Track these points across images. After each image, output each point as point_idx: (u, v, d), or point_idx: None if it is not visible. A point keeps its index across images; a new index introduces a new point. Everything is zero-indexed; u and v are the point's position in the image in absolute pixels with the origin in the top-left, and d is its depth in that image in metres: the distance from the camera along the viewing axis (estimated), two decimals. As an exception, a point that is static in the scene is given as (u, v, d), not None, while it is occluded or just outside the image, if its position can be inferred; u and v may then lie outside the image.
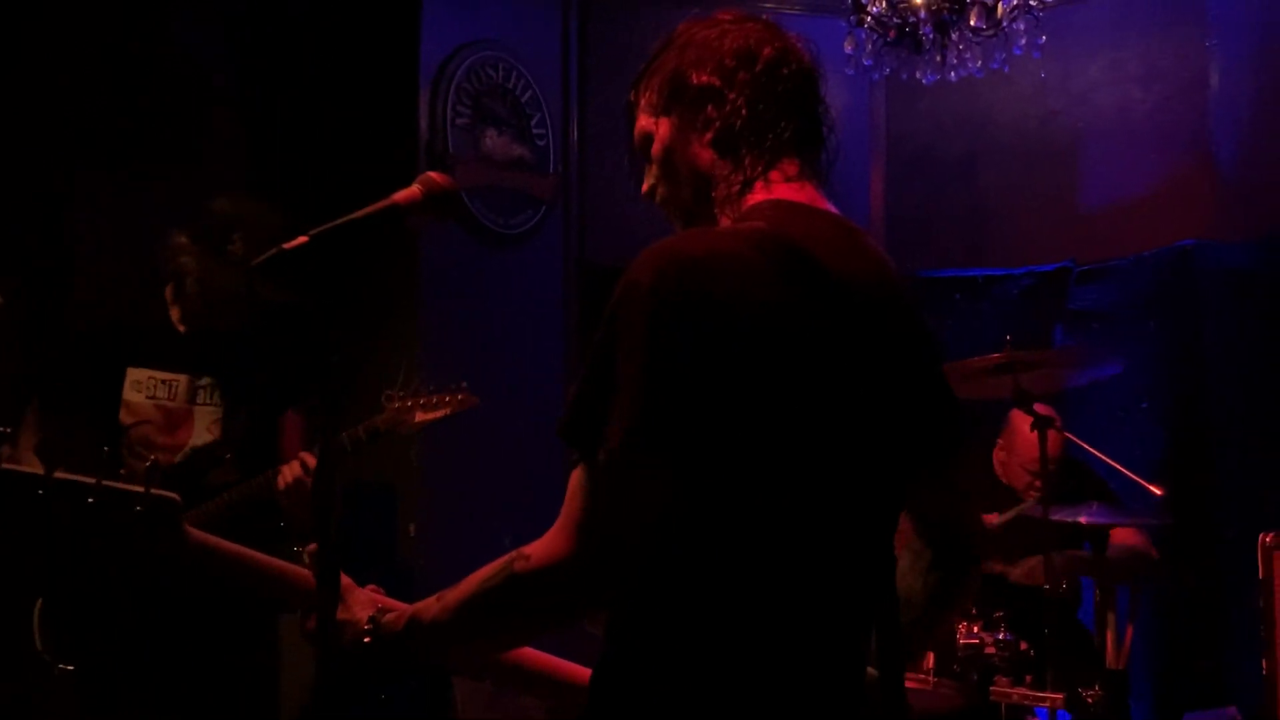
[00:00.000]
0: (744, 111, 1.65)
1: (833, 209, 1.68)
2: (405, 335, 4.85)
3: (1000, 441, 4.49)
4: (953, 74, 4.71)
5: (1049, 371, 4.15)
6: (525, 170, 5.14)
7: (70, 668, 3.22)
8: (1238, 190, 5.08)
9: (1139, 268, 5.23)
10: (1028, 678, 3.84)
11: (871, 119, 5.69)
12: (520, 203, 5.12)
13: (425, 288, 4.87)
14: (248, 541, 1.77)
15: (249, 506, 3.27)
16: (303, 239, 1.64)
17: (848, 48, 4.74)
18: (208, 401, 3.43)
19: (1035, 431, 3.98)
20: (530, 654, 1.81)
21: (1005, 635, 3.87)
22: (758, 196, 1.64)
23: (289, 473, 3.25)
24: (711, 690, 1.48)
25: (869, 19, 4.67)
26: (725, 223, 1.64)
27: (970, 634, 3.87)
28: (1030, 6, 4.59)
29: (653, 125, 1.72)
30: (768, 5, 5.38)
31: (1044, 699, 3.76)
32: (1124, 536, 4.26)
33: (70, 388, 3.41)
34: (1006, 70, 4.77)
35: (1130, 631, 4.27)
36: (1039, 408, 4.02)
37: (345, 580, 1.67)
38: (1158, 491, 4.23)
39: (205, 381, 3.43)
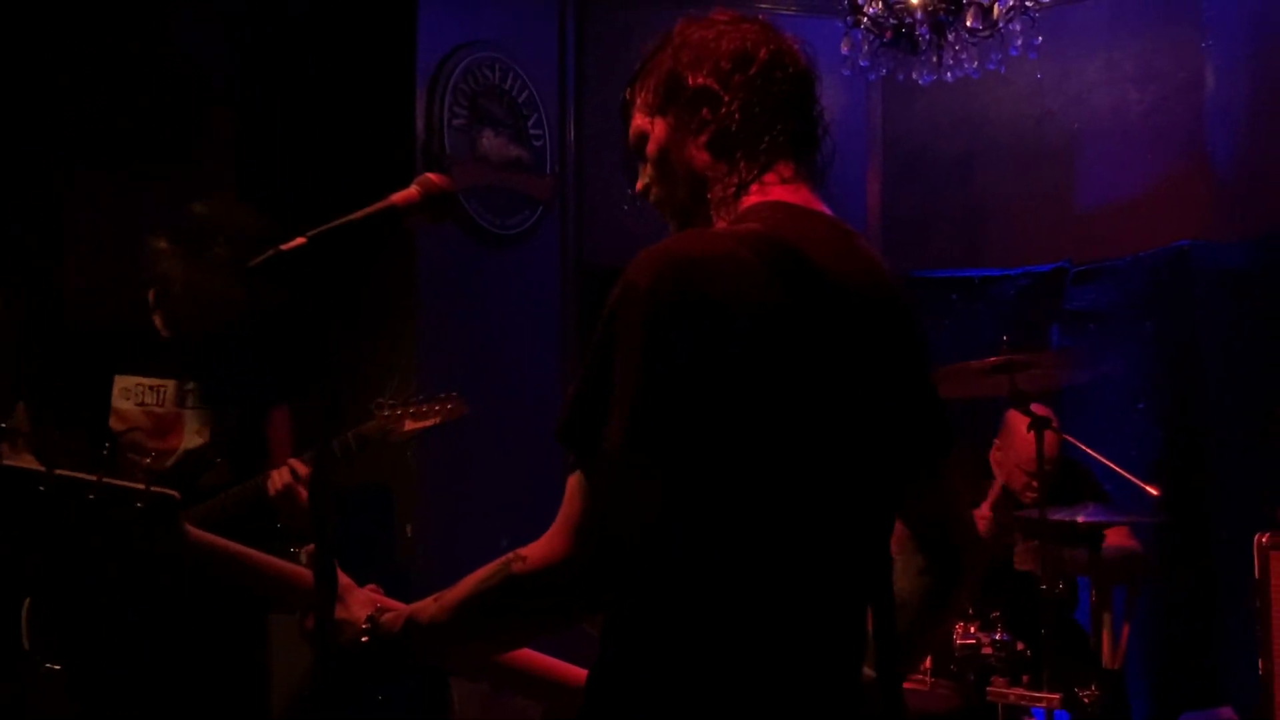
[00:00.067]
0: (739, 114, 1.65)
1: (828, 211, 1.68)
2: (403, 336, 4.85)
3: (997, 442, 4.50)
4: (949, 75, 4.72)
5: (1045, 372, 4.16)
6: (522, 171, 5.14)
7: (58, 667, 3.22)
8: (1234, 190, 5.09)
9: (1135, 268, 5.24)
10: (1024, 678, 3.85)
11: (868, 120, 5.70)
12: (517, 203, 5.12)
13: (423, 289, 4.87)
14: (243, 542, 1.77)
15: (240, 510, 3.27)
16: (300, 240, 1.64)
17: (844, 48, 4.75)
18: (196, 405, 3.44)
19: (1032, 432, 3.99)
20: (527, 655, 1.81)
21: (1002, 636, 3.87)
22: (753, 199, 1.65)
23: (278, 479, 3.26)
24: (708, 692, 1.48)
25: (865, 20, 4.67)
26: (720, 224, 1.64)
27: (967, 634, 3.88)
28: (1026, 7, 4.59)
29: (648, 125, 1.72)
30: (764, 6, 5.38)
31: (1041, 699, 3.77)
32: (1116, 537, 4.27)
33: (58, 399, 3.42)
34: (1003, 71, 4.78)
35: (1126, 631, 4.28)
36: (1036, 408, 4.03)
37: (344, 580, 1.67)
38: (1154, 491, 4.23)
39: (192, 385, 3.44)
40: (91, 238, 4.49)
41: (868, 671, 1.62)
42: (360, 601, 1.66)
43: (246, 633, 3.48)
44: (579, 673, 1.76)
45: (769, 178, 1.66)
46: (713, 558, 1.50)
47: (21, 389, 3.57)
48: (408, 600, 1.67)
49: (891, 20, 4.64)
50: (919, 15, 4.60)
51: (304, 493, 3.24)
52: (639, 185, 1.76)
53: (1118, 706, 4.18)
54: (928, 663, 3.86)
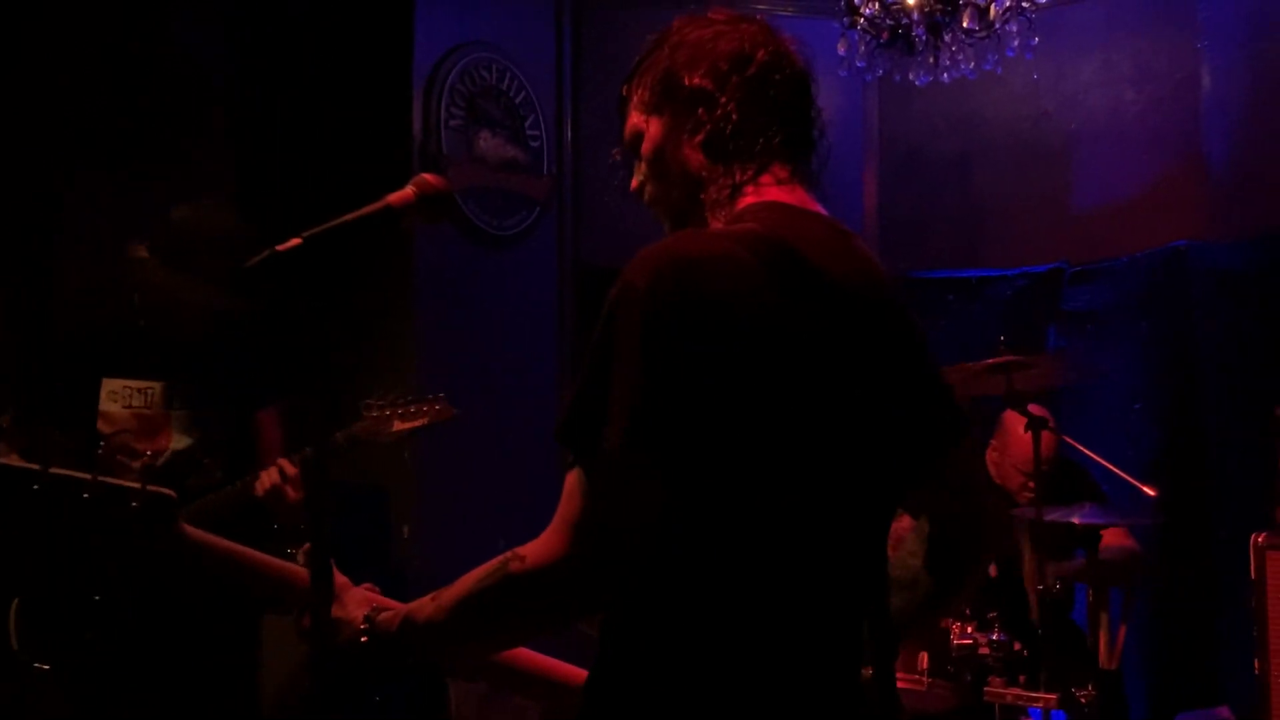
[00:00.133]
0: (735, 116, 1.65)
1: (824, 211, 1.68)
2: (400, 337, 4.85)
3: (993, 442, 4.50)
4: (946, 75, 4.72)
5: (1042, 372, 4.16)
6: (519, 172, 5.14)
7: (46, 667, 3.22)
8: (1230, 191, 5.09)
9: (1132, 268, 5.25)
10: (1021, 678, 3.84)
11: (865, 120, 5.70)
12: (514, 204, 5.12)
13: (420, 289, 4.87)
14: (240, 542, 1.77)
15: (229, 510, 3.28)
16: (296, 241, 1.63)
17: (841, 49, 4.75)
18: (184, 407, 3.44)
19: (1028, 432, 3.99)
20: (525, 655, 1.81)
21: (999, 636, 3.87)
22: (749, 199, 1.64)
23: (267, 479, 3.27)
24: (707, 691, 1.48)
25: (862, 20, 4.68)
26: (716, 225, 1.64)
27: (964, 634, 3.88)
28: (1023, 8, 4.60)
29: (644, 124, 1.72)
30: (761, 6, 5.38)
31: (1038, 699, 3.77)
32: (1114, 537, 4.27)
33: (46, 403, 3.43)
34: (999, 71, 4.78)
35: (1123, 631, 4.28)
36: (1033, 408, 4.03)
37: (341, 579, 1.67)
38: (1151, 492, 4.23)
39: (180, 387, 3.44)
40: (91, 237, 4.49)
41: (865, 670, 1.63)
42: (357, 601, 1.66)
43: (239, 632, 3.48)
44: (577, 672, 1.76)
45: (765, 179, 1.66)
46: (711, 558, 1.50)
47: (9, 391, 3.58)
48: (405, 600, 1.67)
49: (888, 21, 4.64)
50: (915, 16, 4.60)
51: (292, 492, 3.25)
52: (634, 184, 1.76)
53: (1115, 706, 4.18)
54: (925, 663, 3.86)
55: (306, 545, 1.66)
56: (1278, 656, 3.78)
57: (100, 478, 1.60)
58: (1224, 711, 4.53)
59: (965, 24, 4.56)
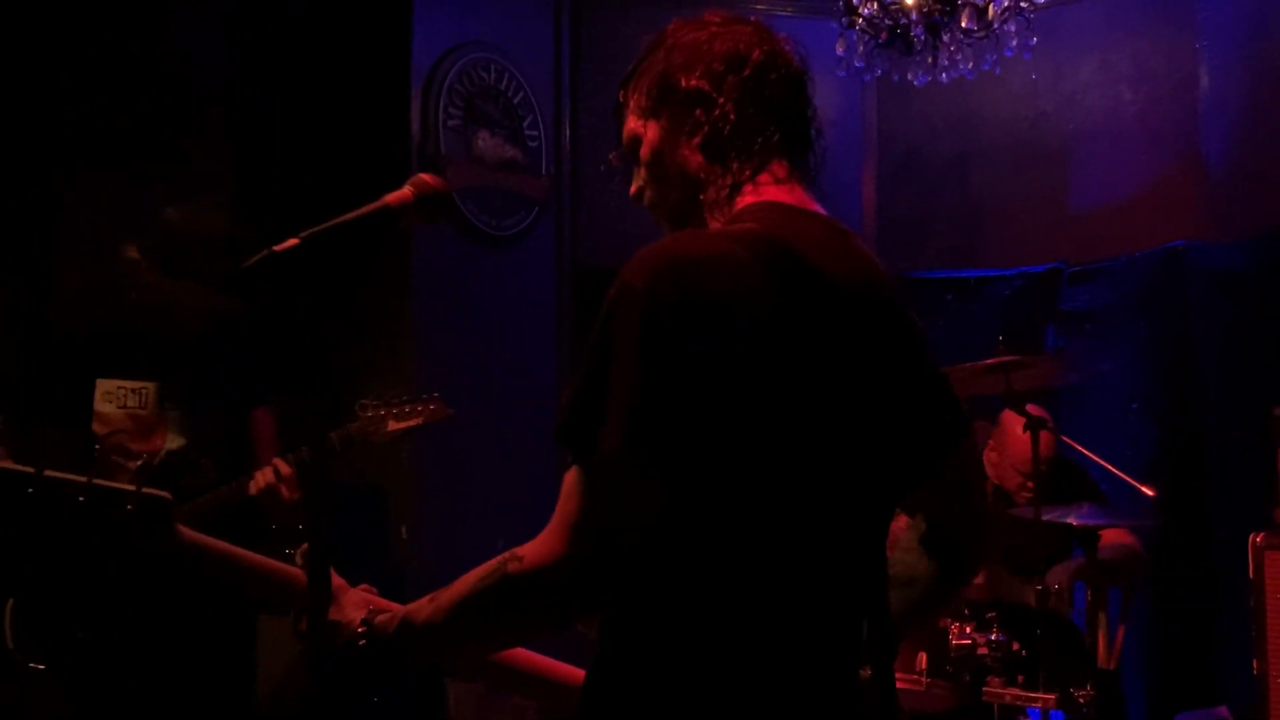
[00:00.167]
0: (732, 116, 1.65)
1: (822, 211, 1.68)
2: (398, 336, 4.85)
3: (991, 442, 4.49)
4: (944, 75, 4.72)
5: (1041, 372, 4.16)
6: (518, 171, 5.14)
7: (41, 666, 3.23)
8: (1228, 191, 5.09)
9: (1130, 268, 5.25)
10: (1020, 678, 3.84)
11: (863, 120, 5.70)
12: (513, 204, 5.12)
13: (418, 289, 4.87)
14: (237, 543, 1.77)
15: (224, 510, 3.28)
16: (294, 241, 1.63)
17: (839, 49, 4.75)
18: (178, 407, 3.45)
19: (1027, 432, 3.99)
20: (524, 655, 1.81)
21: (997, 636, 3.87)
22: (747, 199, 1.65)
23: (261, 479, 3.27)
24: (706, 691, 1.48)
25: (860, 21, 4.68)
26: (715, 225, 1.64)
27: (963, 635, 3.88)
28: (1021, 8, 4.60)
29: (641, 127, 1.72)
30: (759, 7, 5.39)
31: (1036, 699, 3.76)
32: (1115, 535, 4.27)
33: (40, 405, 3.43)
34: (998, 72, 4.78)
35: (1122, 631, 4.28)
36: (1031, 408, 4.03)
37: (338, 581, 1.67)
38: (1150, 492, 4.24)
39: (174, 387, 3.44)
40: (91, 238, 4.49)
41: (863, 672, 1.63)
42: (354, 603, 1.65)
43: (235, 631, 3.48)
44: (575, 672, 1.76)
45: (763, 178, 1.66)
46: (710, 558, 1.50)
47: (5, 391, 3.58)
48: (403, 601, 1.67)
49: (886, 21, 4.65)
50: (914, 16, 4.60)
51: (286, 492, 3.25)
52: (633, 188, 1.76)
53: (1113, 706, 4.18)
54: (924, 663, 3.86)
55: (304, 546, 1.66)
56: (1276, 656, 3.78)
57: (96, 481, 1.60)
58: (1223, 711, 4.53)
59: (964, 24, 4.56)
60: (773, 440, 1.50)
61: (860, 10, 4.66)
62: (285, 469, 3.27)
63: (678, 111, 1.68)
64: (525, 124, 5.16)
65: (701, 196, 1.67)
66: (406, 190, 1.73)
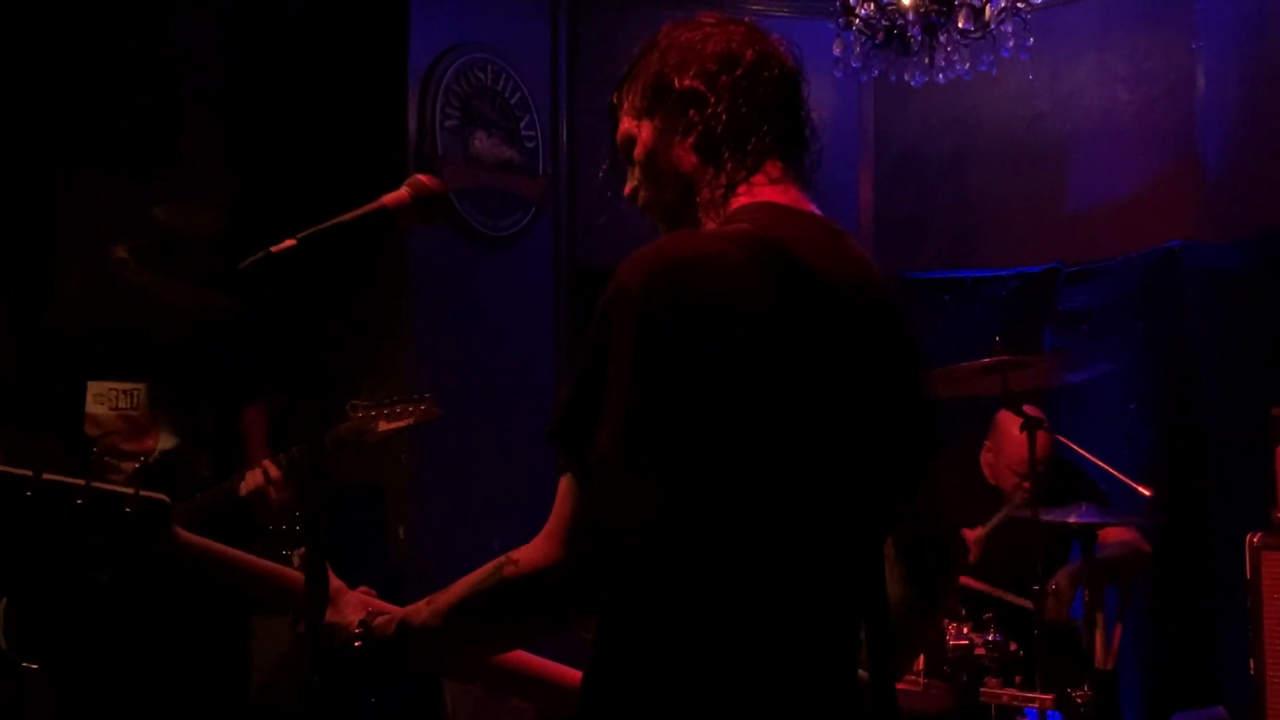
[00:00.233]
0: (726, 116, 1.65)
1: (817, 211, 1.68)
2: (395, 337, 4.85)
3: (987, 443, 4.49)
4: (941, 76, 4.72)
5: (1038, 372, 4.16)
6: (515, 172, 5.14)
7: (34, 666, 3.23)
8: (1224, 191, 5.10)
9: (1127, 268, 5.25)
10: (1017, 678, 3.85)
11: (860, 121, 5.71)
12: (510, 205, 5.12)
13: (415, 290, 4.87)
14: (234, 545, 1.76)
15: (215, 511, 3.28)
16: (290, 242, 1.63)
17: (836, 50, 4.75)
18: (170, 407, 3.45)
19: (1023, 433, 3.99)
20: (521, 657, 1.81)
21: (995, 636, 3.88)
22: (742, 200, 1.64)
23: (250, 481, 3.27)
24: (703, 694, 1.48)
25: (857, 21, 4.68)
26: (710, 226, 1.64)
27: (960, 635, 3.88)
28: (1018, 9, 4.60)
29: (635, 128, 1.72)
30: (756, 8, 5.39)
31: (1033, 699, 3.77)
32: (1117, 533, 4.27)
33: (31, 408, 3.44)
34: (994, 72, 4.79)
35: (1119, 631, 4.28)
36: (1027, 409, 4.03)
37: (336, 583, 1.67)
38: (1146, 492, 4.24)
39: (165, 387, 3.44)
40: (91, 238, 4.49)
41: (861, 674, 1.62)
42: (353, 605, 1.65)
43: (229, 624, 3.49)
44: (573, 674, 1.76)
45: (757, 179, 1.66)
46: (707, 560, 1.50)
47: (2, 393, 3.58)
48: (401, 602, 1.67)
49: (883, 22, 4.65)
50: (911, 17, 4.60)
51: (275, 494, 3.26)
52: (627, 189, 1.76)
53: (1110, 707, 4.18)
54: (920, 663, 3.86)
55: (303, 549, 1.66)
56: (1273, 656, 3.78)
57: (94, 484, 1.60)
58: (1220, 711, 4.53)
59: (960, 25, 4.56)
60: (769, 441, 1.50)
61: (857, 11, 4.66)
62: (274, 471, 3.27)
63: (671, 112, 1.68)
64: (522, 124, 5.16)
65: (696, 197, 1.67)
66: (404, 191, 1.73)
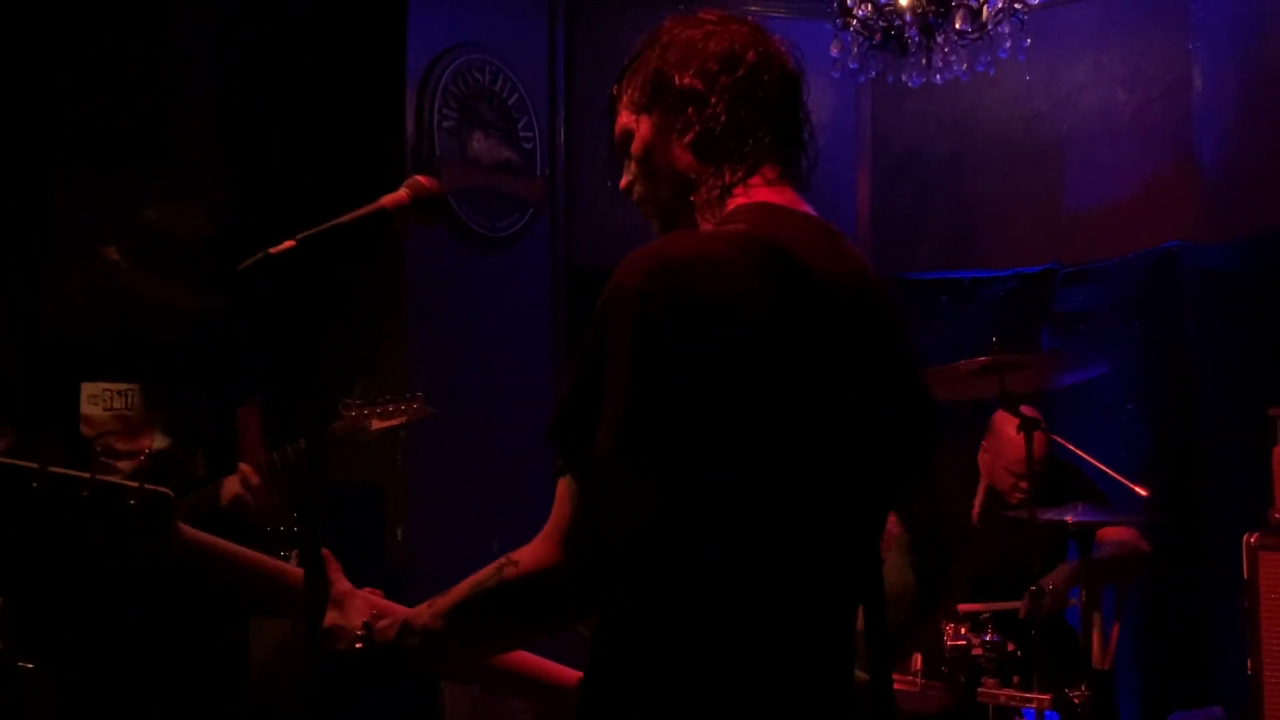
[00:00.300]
0: (724, 117, 1.65)
1: (813, 212, 1.68)
2: (393, 338, 4.85)
3: (984, 443, 4.50)
4: (938, 76, 4.73)
5: (1035, 373, 4.16)
6: (512, 173, 5.14)
7: (30, 665, 3.23)
8: (1221, 191, 5.10)
9: (1124, 269, 5.26)
10: (1015, 678, 3.85)
11: (857, 121, 5.71)
12: (507, 206, 5.12)
13: (413, 291, 4.88)
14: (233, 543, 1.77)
15: (206, 514, 3.28)
16: (289, 243, 1.63)
17: (834, 51, 4.75)
18: (164, 407, 3.45)
19: (1020, 433, 3.99)
20: (520, 657, 1.81)
21: (992, 636, 3.88)
22: (738, 200, 1.64)
23: (229, 488, 3.28)
24: (701, 693, 1.48)
25: (854, 22, 4.68)
26: (706, 226, 1.64)
27: (957, 635, 3.88)
28: (1015, 9, 4.60)
29: (633, 123, 1.72)
30: (754, 8, 5.39)
31: (1031, 699, 3.77)
32: (1115, 532, 4.27)
33: (30, 408, 3.44)
34: (992, 73, 4.79)
35: (1116, 631, 4.28)
36: (1024, 409, 4.03)
37: (344, 585, 1.67)
38: (1143, 492, 4.24)
39: (160, 387, 3.45)
40: (90, 239, 4.49)
41: (859, 674, 1.63)
42: (357, 608, 1.65)
43: (228, 625, 3.49)
44: (571, 674, 1.76)
45: (754, 180, 1.66)
46: (705, 559, 1.50)
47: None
48: (399, 602, 1.67)
49: (881, 22, 4.65)
50: (908, 17, 4.60)
51: (256, 500, 3.26)
52: (623, 182, 1.76)
53: (1108, 707, 4.19)
54: (918, 664, 3.86)
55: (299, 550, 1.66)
56: (1271, 656, 3.79)
57: (98, 476, 1.60)
58: (1217, 711, 4.54)
59: (958, 25, 4.57)
60: (767, 441, 1.50)
61: (854, 11, 4.67)
62: (253, 477, 3.28)
63: (670, 109, 1.68)
64: (520, 126, 5.16)
65: (692, 197, 1.67)
66: (402, 192, 1.73)
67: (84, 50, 4.61)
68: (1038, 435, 4.03)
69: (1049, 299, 5.42)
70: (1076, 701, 3.76)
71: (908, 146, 5.71)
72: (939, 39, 4.62)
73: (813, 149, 1.72)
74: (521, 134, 5.16)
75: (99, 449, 3.40)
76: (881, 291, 1.66)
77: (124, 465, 3.37)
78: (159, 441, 3.44)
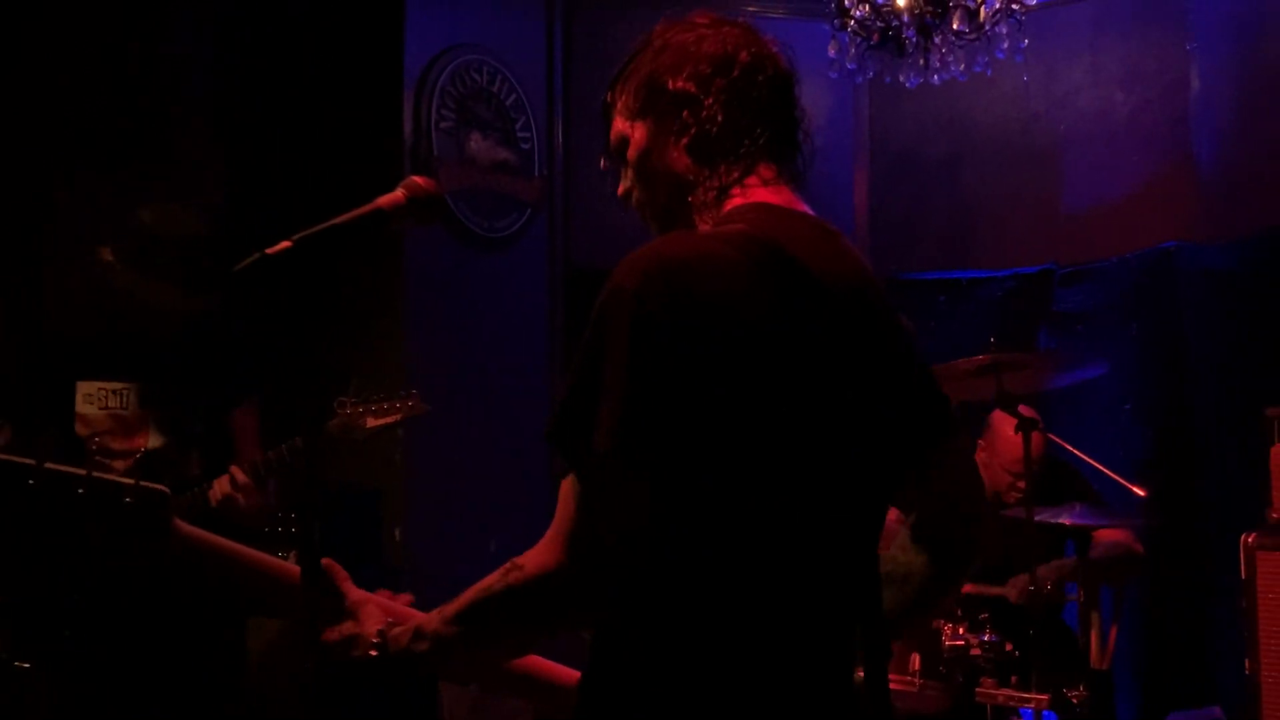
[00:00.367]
0: (719, 118, 1.65)
1: (810, 211, 1.69)
2: (391, 339, 4.85)
3: (981, 443, 4.50)
4: (936, 77, 4.73)
5: (1033, 373, 4.17)
6: (510, 173, 5.14)
7: (27, 665, 3.23)
8: (1218, 192, 5.11)
9: (1122, 269, 5.26)
10: (1013, 679, 3.85)
11: (855, 122, 5.71)
12: (505, 206, 5.12)
13: (410, 291, 4.87)
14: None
15: (191, 517, 3.28)
16: (286, 244, 1.63)
17: (831, 51, 4.75)
18: (160, 406, 3.45)
19: (1018, 433, 3.99)
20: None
21: (990, 637, 3.88)
22: (735, 201, 1.65)
23: (219, 489, 3.28)
24: (700, 693, 1.48)
25: (852, 23, 4.68)
26: (704, 227, 1.65)
27: (956, 635, 3.89)
28: (1012, 10, 4.61)
29: (629, 129, 1.72)
30: (751, 9, 5.39)
31: (1029, 699, 3.77)
32: (1109, 534, 4.28)
33: (23, 408, 3.44)
34: (989, 73, 4.79)
35: (1114, 632, 4.29)
36: (1022, 409, 4.04)
37: (356, 594, 1.68)
38: (1141, 492, 4.25)
39: (155, 387, 3.45)
40: (90, 238, 4.49)
41: (857, 673, 1.63)
42: (372, 615, 1.66)
43: (223, 632, 3.49)
44: (570, 674, 1.76)
45: (751, 180, 1.66)
46: (703, 559, 1.50)
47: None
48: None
49: (878, 23, 4.65)
50: (905, 18, 4.61)
51: (245, 500, 3.27)
52: (620, 189, 1.76)
53: (1106, 707, 4.19)
54: (916, 664, 3.86)
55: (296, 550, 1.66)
56: (1269, 656, 3.79)
57: (95, 474, 1.60)
58: (1215, 711, 4.54)
59: (955, 26, 4.57)
60: (764, 441, 1.50)
61: (852, 12, 4.67)
62: (241, 477, 3.29)
63: (665, 113, 1.68)
64: (518, 126, 5.16)
65: (690, 198, 1.67)
66: (399, 193, 1.73)
67: (84, 50, 4.61)
68: (1035, 435, 4.04)
69: (1047, 299, 5.42)
70: (1075, 701, 3.76)
71: (905, 147, 5.72)
72: (936, 39, 4.62)
73: (808, 148, 1.72)
74: (519, 134, 5.16)
75: (94, 448, 3.41)
76: (880, 291, 1.67)
77: (119, 464, 3.38)
78: (153, 441, 3.44)
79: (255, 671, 3.84)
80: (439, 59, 4.94)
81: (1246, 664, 3.83)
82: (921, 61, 4.68)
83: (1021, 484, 4.12)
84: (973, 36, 4.61)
